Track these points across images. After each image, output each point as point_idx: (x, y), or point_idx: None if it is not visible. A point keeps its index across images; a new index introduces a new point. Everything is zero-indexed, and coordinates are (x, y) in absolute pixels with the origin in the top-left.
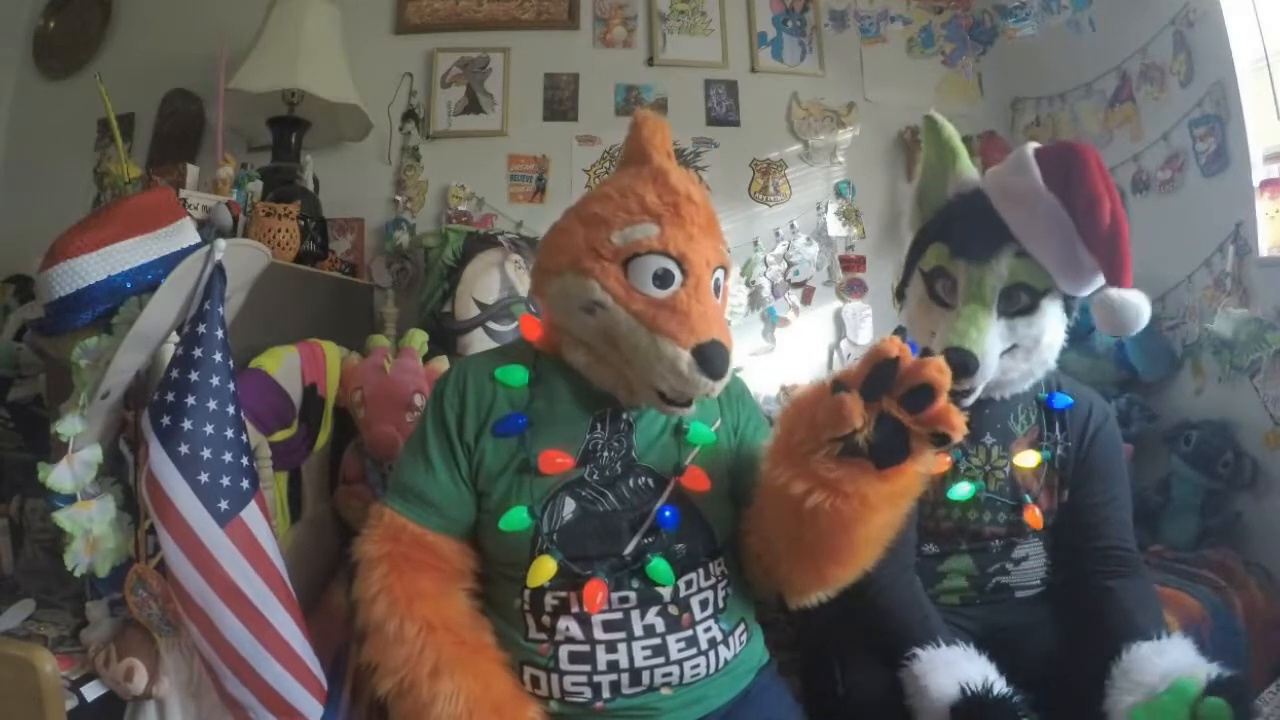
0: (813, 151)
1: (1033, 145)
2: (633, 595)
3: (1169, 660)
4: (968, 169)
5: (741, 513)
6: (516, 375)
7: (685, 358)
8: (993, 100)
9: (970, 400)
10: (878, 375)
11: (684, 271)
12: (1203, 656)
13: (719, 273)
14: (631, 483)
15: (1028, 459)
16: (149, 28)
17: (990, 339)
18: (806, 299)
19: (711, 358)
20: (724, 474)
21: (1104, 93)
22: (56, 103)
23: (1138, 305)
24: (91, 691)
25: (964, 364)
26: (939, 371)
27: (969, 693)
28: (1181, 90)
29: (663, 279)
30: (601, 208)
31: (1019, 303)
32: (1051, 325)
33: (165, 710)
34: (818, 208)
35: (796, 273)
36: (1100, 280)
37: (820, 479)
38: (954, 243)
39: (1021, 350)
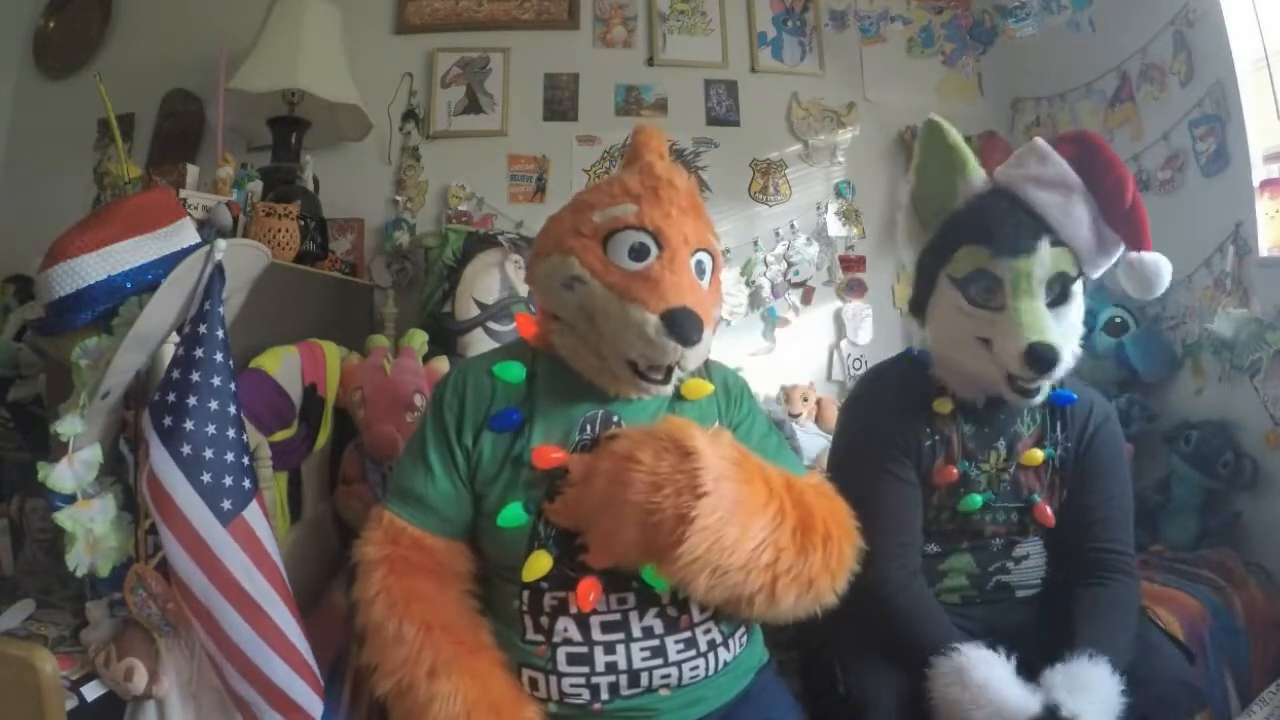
0: (813, 151)
1: (1040, 139)
2: (631, 597)
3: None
4: (976, 172)
5: None
6: (514, 372)
7: (653, 321)
8: (993, 100)
9: (1040, 399)
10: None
11: (660, 245)
12: (1122, 684)
13: (702, 255)
14: None
15: (1034, 455)
16: (149, 28)
17: (1056, 329)
18: (806, 299)
19: (680, 322)
20: None
21: (1104, 93)
22: (56, 103)
23: (1158, 263)
24: (91, 691)
25: (1050, 357)
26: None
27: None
28: (1181, 90)
29: (638, 252)
30: (589, 195)
31: (1056, 292)
32: (1079, 309)
33: (165, 710)
34: (818, 208)
35: (796, 273)
36: (1111, 258)
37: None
38: (994, 243)
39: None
